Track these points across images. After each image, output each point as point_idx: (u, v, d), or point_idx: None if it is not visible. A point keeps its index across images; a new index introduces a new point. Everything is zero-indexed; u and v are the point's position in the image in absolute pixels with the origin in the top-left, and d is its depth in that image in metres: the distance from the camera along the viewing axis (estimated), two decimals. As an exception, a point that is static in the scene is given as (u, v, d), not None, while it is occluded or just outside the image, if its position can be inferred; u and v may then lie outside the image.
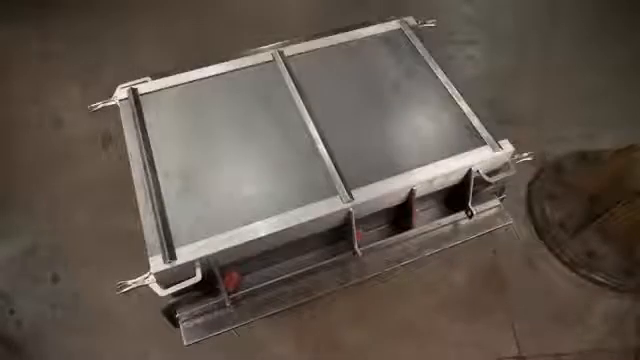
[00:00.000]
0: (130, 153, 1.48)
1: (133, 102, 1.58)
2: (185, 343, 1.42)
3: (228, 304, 1.40)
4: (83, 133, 3.04)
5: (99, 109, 1.63)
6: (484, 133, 1.54)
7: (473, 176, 1.49)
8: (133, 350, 2.32)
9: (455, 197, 1.62)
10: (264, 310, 1.48)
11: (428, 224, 1.60)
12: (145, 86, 1.65)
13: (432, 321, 2.43)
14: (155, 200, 1.35)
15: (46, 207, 2.75)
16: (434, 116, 1.61)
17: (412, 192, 1.44)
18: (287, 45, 1.83)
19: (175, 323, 1.44)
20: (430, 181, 1.45)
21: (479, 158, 1.49)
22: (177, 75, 1.69)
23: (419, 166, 1.46)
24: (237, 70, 1.72)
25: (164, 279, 1.27)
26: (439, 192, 1.56)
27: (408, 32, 1.84)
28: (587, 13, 3.66)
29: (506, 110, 2.91)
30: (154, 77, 1.70)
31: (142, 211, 1.36)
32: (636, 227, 2.54)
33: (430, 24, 1.91)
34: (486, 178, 1.49)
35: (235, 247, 1.29)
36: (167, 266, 1.25)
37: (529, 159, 1.57)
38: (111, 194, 2.53)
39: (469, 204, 1.56)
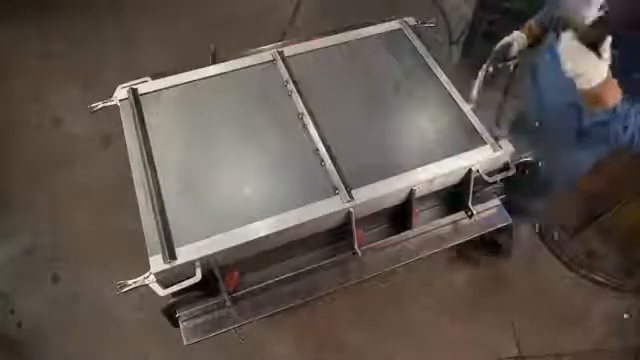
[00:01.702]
0: (130, 153, 1.48)
1: (133, 102, 1.58)
2: (185, 343, 1.42)
3: (228, 304, 1.40)
4: (83, 133, 3.04)
5: (99, 109, 1.63)
6: (484, 133, 1.54)
7: (473, 176, 1.49)
8: (133, 350, 2.33)
9: (455, 197, 1.62)
10: (264, 310, 1.47)
11: (428, 224, 1.60)
12: (145, 86, 1.65)
13: (432, 321, 2.44)
14: (155, 200, 1.35)
15: (46, 207, 2.76)
16: (434, 116, 1.61)
17: (412, 192, 1.44)
18: (287, 45, 1.83)
19: (175, 323, 1.44)
20: (430, 181, 1.45)
21: (479, 158, 1.49)
22: (177, 75, 1.69)
23: (419, 166, 1.46)
24: (237, 70, 1.72)
25: (164, 279, 1.27)
26: (439, 192, 1.56)
27: (408, 32, 1.84)
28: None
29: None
30: (154, 77, 1.70)
31: (142, 211, 1.35)
32: (636, 227, 2.55)
33: (430, 24, 1.91)
34: (486, 178, 1.49)
35: (235, 247, 1.29)
36: (167, 266, 1.25)
37: (529, 159, 1.57)
38: (111, 194, 2.53)
39: (469, 204, 1.56)
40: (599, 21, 1.19)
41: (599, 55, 1.25)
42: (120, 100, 1.61)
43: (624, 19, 1.20)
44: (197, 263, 1.28)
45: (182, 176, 1.44)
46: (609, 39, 1.23)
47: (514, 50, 1.69)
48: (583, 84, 1.29)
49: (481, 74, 1.66)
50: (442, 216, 1.63)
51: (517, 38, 1.70)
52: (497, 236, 2.47)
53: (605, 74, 1.26)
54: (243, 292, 1.43)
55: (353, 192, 1.38)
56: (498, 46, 1.71)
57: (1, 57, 3.50)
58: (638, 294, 2.54)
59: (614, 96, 1.31)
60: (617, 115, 1.35)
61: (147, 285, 1.26)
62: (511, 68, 1.74)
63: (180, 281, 1.27)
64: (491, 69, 1.68)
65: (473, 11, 3.12)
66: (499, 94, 2.01)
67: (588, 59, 1.25)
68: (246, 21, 3.53)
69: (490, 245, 2.53)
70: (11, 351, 2.34)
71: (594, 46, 1.24)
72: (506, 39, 1.71)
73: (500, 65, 1.71)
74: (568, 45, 1.27)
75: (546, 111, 1.74)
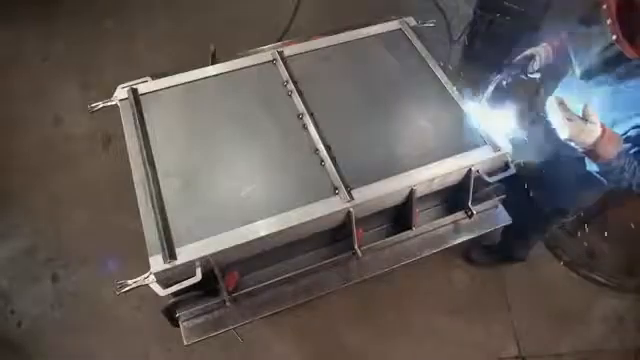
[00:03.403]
0: (130, 153, 1.48)
1: (133, 102, 1.58)
2: (185, 343, 1.42)
3: (228, 304, 1.40)
4: (83, 133, 3.04)
5: (99, 109, 1.63)
6: (484, 133, 1.54)
7: (473, 176, 1.49)
8: (133, 350, 2.33)
9: (455, 197, 1.62)
10: (264, 310, 1.48)
11: (428, 224, 1.60)
12: (145, 86, 1.65)
13: (432, 321, 2.44)
14: (155, 200, 1.35)
15: (46, 207, 2.76)
16: (434, 116, 1.61)
17: (412, 192, 1.44)
18: (287, 45, 1.83)
19: (175, 323, 1.44)
20: (430, 181, 1.45)
21: (479, 158, 1.49)
22: (177, 75, 1.69)
23: (419, 166, 1.46)
24: (237, 70, 1.72)
25: (164, 279, 1.27)
26: (439, 192, 1.56)
27: (408, 32, 1.84)
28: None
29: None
30: (154, 77, 1.70)
31: (142, 211, 1.35)
32: (636, 227, 2.54)
33: (430, 24, 1.91)
34: (486, 178, 1.49)
35: (235, 247, 1.29)
36: (167, 266, 1.25)
37: (529, 159, 1.57)
38: (111, 194, 2.53)
39: (469, 204, 1.56)
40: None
41: (585, 118, 1.25)
42: (120, 100, 1.61)
43: None
44: (197, 263, 1.28)
45: (182, 176, 1.44)
46: (588, 105, 1.25)
47: (536, 64, 1.61)
48: (577, 145, 1.29)
49: (491, 86, 1.62)
50: (442, 216, 1.62)
51: (540, 51, 1.60)
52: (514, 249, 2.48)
53: (596, 134, 1.25)
54: (243, 292, 1.43)
55: (353, 192, 1.38)
56: (519, 57, 1.64)
57: (2, 57, 3.50)
58: (638, 294, 2.54)
59: (611, 152, 1.30)
60: (612, 169, 1.34)
61: (147, 285, 1.26)
62: (537, 80, 1.67)
63: (180, 281, 1.27)
64: (504, 83, 1.63)
65: (473, 10, 3.12)
66: (522, 106, 1.95)
67: (573, 124, 1.25)
68: (246, 22, 3.52)
69: (502, 252, 2.53)
70: (11, 351, 2.34)
71: None
72: (529, 51, 1.62)
73: (522, 77, 1.65)
74: (552, 111, 1.28)
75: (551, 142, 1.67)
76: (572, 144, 1.30)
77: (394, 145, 1.53)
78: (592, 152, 1.30)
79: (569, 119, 1.25)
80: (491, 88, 1.62)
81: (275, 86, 1.66)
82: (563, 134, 1.28)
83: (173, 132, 1.55)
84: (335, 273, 1.54)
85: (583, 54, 1.34)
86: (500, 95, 1.64)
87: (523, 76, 1.65)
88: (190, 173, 1.45)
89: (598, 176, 1.48)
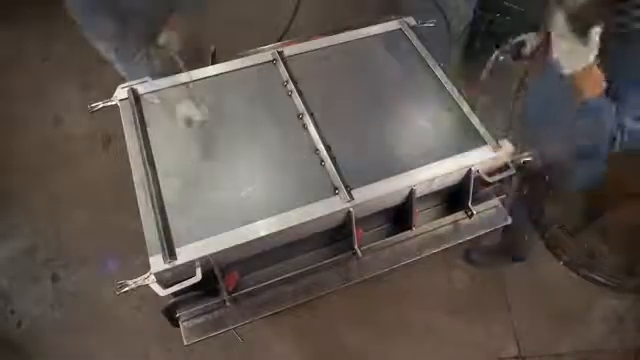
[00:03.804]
0: (130, 153, 1.48)
1: (133, 102, 1.58)
2: (185, 343, 1.42)
3: (228, 304, 1.40)
4: (83, 133, 3.04)
5: (99, 109, 1.63)
6: (484, 133, 1.54)
7: (473, 176, 1.49)
8: (133, 350, 2.33)
9: (455, 197, 1.62)
10: (264, 310, 1.47)
11: (428, 224, 1.60)
12: (145, 86, 1.65)
13: (432, 321, 2.44)
14: (155, 200, 1.35)
15: (46, 207, 2.76)
16: (434, 116, 1.61)
17: (412, 192, 1.44)
18: (287, 45, 1.83)
19: (175, 323, 1.44)
20: (430, 181, 1.45)
21: (479, 158, 1.49)
22: (177, 75, 1.69)
23: (419, 166, 1.45)
24: (237, 70, 1.72)
25: (164, 279, 1.27)
26: (439, 192, 1.56)
27: (408, 32, 1.84)
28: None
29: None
30: (154, 77, 1.70)
31: (142, 211, 1.35)
32: (636, 227, 2.54)
33: (430, 24, 1.91)
34: (486, 178, 1.49)
35: (235, 247, 1.29)
36: (167, 266, 1.25)
37: (529, 159, 1.57)
38: (111, 194, 2.53)
39: (469, 204, 1.56)
40: (591, 4, 1.15)
41: (585, 42, 1.19)
42: (120, 100, 1.61)
43: None
44: (197, 263, 1.27)
45: (182, 176, 1.44)
46: (597, 27, 1.17)
47: (527, 50, 1.64)
48: (564, 68, 1.25)
49: (489, 64, 1.64)
50: (442, 216, 1.62)
51: (531, 39, 1.64)
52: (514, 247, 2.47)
53: (585, 63, 1.20)
54: (243, 292, 1.43)
55: (353, 192, 1.38)
56: (511, 42, 1.68)
57: (2, 57, 3.50)
58: (638, 294, 2.54)
59: (591, 88, 1.25)
60: (589, 108, 1.28)
61: (147, 285, 1.26)
62: (525, 64, 1.70)
63: (180, 281, 1.27)
64: (501, 58, 1.65)
65: (473, 10, 3.12)
66: (508, 100, 1.98)
67: (570, 44, 1.21)
68: (246, 22, 3.52)
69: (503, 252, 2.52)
70: (11, 351, 2.34)
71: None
72: (521, 37, 1.66)
73: (512, 61, 1.68)
74: (556, 27, 1.23)
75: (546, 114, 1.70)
76: (560, 62, 1.26)
77: (394, 145, 1.53)
78: (576, 83, 1.25)
79: (564, 35, 1.21)
80: (489, 65, 1.63)
81: (275, 86, 1.66)
82: (556, 49, 1.24)
83: (173, 132, 1.55)
84: (335, 273, 1.54)
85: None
86: (496, 75, 1.66)
87: (511, 60, 1.67)
88: (190, 173, 1.45)
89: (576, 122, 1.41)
